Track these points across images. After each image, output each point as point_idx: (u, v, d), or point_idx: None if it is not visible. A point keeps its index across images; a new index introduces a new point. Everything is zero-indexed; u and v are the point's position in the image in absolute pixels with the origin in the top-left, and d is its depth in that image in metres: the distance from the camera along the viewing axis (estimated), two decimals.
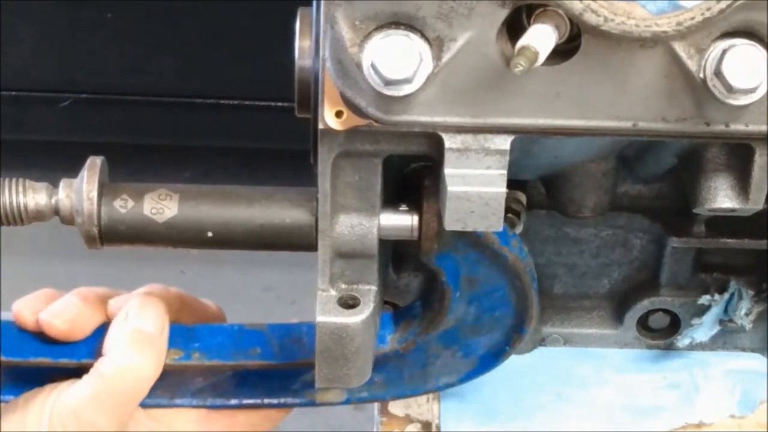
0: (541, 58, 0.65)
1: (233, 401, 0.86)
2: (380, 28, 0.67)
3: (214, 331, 0.86)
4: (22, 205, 0.76)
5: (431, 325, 0.84)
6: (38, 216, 0.77)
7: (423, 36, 0.67)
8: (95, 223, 0.76)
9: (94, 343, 0.83)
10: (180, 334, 0.84)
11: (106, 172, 0.78)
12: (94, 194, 0.76)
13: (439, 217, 0.75)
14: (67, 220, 0.77)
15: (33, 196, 0.76)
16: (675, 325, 0.93)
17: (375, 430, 0.96)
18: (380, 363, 0.84)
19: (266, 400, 0.86)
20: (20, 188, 0.77)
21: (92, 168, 0.76)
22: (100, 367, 0.81)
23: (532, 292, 0.82)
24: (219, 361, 0.84)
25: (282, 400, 0.86)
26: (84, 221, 0.76)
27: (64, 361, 0.83)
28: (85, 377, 0.81)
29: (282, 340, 0.85)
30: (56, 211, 0.76)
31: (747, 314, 0.90)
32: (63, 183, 0.77)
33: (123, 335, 0.81)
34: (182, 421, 0.86)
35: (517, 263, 0.81)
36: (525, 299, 0.82)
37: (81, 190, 0.76)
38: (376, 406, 0.96)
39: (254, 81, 2.38)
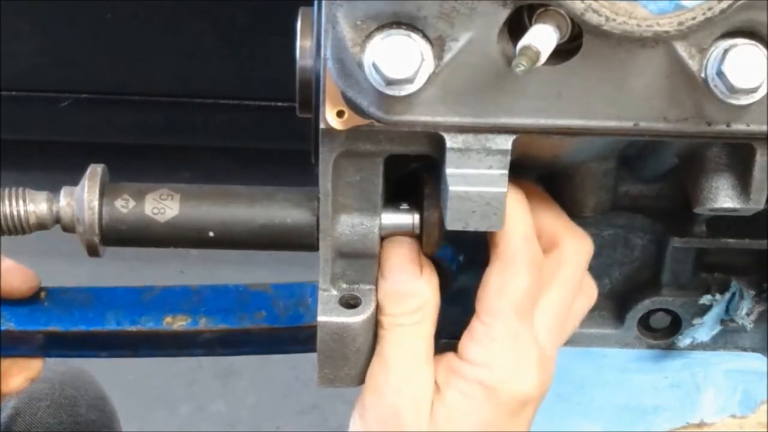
0: (543, 58, 0.65)
1: (242, 350, 0.87)
2: (382, 27, 0.67)
3: (219, 293, 0.87)
4: (23, 215, 0.76)
5: None
6: (40, 225, 0.77)
7: (424, 36, 0.67)
8: (96, 233, 0.76)
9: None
10: (186, 298, 0.84)
11: (108, 180, 0.78)
12: (96, 204, 0.76)
13: (440, 217, 0.76)
14: (69, 228, 0.77)
15: (34, 205, 0.77)
16: (676, 325, 0.93)
17: None
18: None
19: (274, 348, 0.87)
20: (20, 198, 0.77)
21: (93, 177, 0.76)
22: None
23: None
24: (226, 326, 0.85)
25: (289, 348, 0.87)
26: (85, 230, 0.76)
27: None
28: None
29: (287, 302, 0.86)
30: (57, 220, 0.76)
31: (748, 314, 0.90)
32: (64, 191, 0.77)
33: None
34: None
35: None
36: None
37: (82, 199, 0.76)
38: None
39: (254, 81, 2.38)
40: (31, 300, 0.85)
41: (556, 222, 0.80)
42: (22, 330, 0.84)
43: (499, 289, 0.76)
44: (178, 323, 0.84)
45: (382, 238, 0.78)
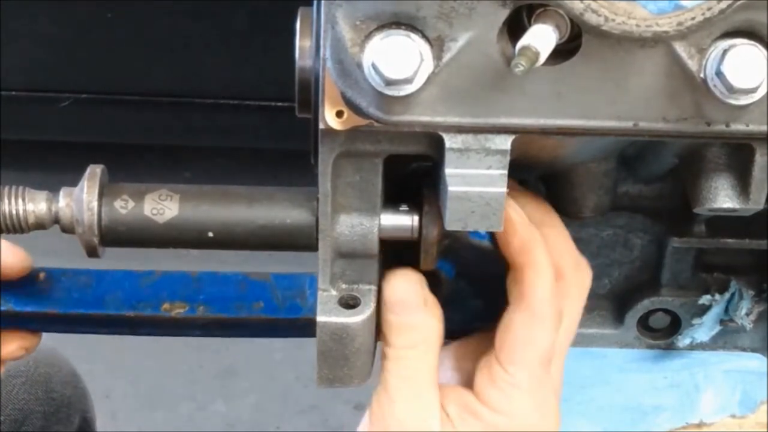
0: (542, 59, 0.65)
1: (240, 333, 0.87)
2: (381, 27, 0.67)
3: (218, 281, 0.87)
4: (22, 213, 0.76)
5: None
6: (39, 225, 0.77)
7: (424, 36, 0.67)
8: (96, 234, 0.76)
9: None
10: (185, 284, 0.84)
11: (107, 180, 0.78)
12: (95, 204, 0.76)
13: (439, 234, 0.76)
14: (68, 229, 0.77)
15: (33, 205, 0.77)
16: (675, 325, 0.93)
17: None
18: None
19: (271, 334, 0.87)
20: (20, 197, 0.77)
21: (92, 178, 0.76)
22: None
23: None
24: (223, 315, 0.85)
25: (287, 334, 0.87)
26: (84, 231, 0.76)
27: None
28: None
29: (285, 293, 0.86)
30: (56, 220, 0.77)
31: (747, 314, 0.90)
32: (63, 192, 0.77)
33: None
34: None
35: None
36: None
37: (81, 200, 0.76)
38: None
39: (254, 81, 2.38)
40: (31, 281, 0.85)
41: (560, 250, 0.79)
42: (21, 311, 0.84)
43: (526, 340, 0.76)
44: (176, 310, 0.83)
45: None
